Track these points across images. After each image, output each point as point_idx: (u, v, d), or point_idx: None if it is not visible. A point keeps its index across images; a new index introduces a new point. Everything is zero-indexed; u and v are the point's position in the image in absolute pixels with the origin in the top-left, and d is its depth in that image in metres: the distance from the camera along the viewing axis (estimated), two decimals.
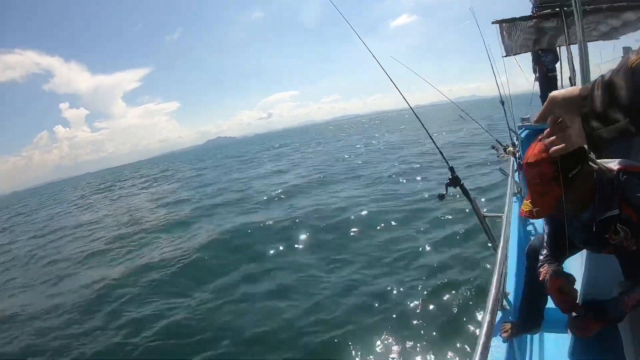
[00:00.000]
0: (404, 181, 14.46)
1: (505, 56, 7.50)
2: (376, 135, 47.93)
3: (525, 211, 1.67)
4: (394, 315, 5.43)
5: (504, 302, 2.84)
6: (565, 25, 3.77)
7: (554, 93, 1.09)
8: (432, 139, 2.95)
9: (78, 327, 7.11)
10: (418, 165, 17.64)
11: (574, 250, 2.06)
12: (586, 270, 2.32)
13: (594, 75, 3.63)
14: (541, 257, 2.07)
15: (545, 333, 2.62)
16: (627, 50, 4.39)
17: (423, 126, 2.90)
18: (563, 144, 1.12)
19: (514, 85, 8.21)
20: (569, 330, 2.42)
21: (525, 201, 1.69)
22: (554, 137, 1.15)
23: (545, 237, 2.13)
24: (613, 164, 1.69)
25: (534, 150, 1.58)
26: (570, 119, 1.07)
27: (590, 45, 5.74)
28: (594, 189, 1.65)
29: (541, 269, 1.98)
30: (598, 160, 1.69)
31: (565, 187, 1.52)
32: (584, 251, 2.24)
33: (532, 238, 2.55)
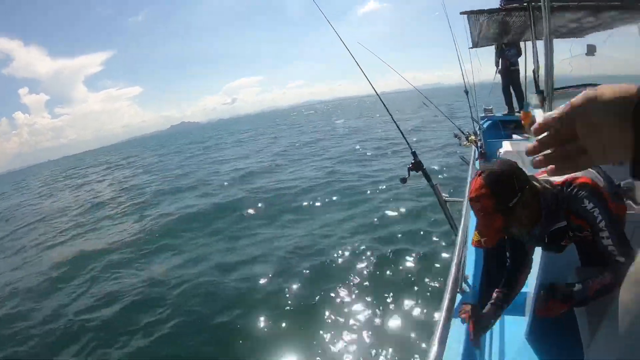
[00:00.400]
0: (366, 164, 14.70)
1: (472, 47, 7.62)
2: (339, 121, 48.04)
3: (475, 241, 1.75)
4: (352, 296, 5.57)
5: (464, 285, 2.90)
6: (532, 20, 3.85)
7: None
8: (396, 124, 2.99)
9: (35, 306, 7.33)
10: (380, 150, 17.80)
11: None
12: (543, 257, 2.40)
13: (558, 71, 3.78)
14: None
15: (505, 315, 2.70)
16: (591, 48, 4.53)
17: (388, 111, 2.94)
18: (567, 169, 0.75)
19: (479, 74, 8.41)
20: (526, 313, 2.51)
21: (475, 232, 1.76)
22: (560, 165, 0.74)
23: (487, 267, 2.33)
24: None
25: (475, 185, 1.69)
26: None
27: (556, 41, 5.91)
28: (539, 208, 1.77)
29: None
30: (540, 178, 1.83)
31: (507, 216, 1.66)
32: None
33: None
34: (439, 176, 11.09)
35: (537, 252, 2.34)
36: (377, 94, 2.94)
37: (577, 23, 4.85)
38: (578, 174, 1.81)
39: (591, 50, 4.49)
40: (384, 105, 2.93)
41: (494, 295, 2.04)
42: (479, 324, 2.11)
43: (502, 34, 6.21)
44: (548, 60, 2.90)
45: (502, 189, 1.64)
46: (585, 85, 3.77)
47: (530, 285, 2.64)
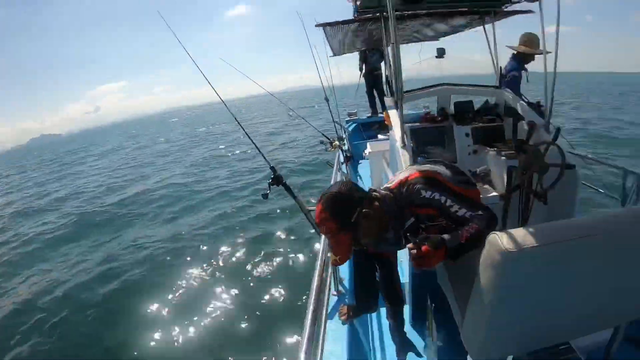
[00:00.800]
0: (225, 174, 14.63)
1: (333, 55, 7.76)
2: (202, 129, 47.50)
3: (332, 260, 1.89)
4: (221, 309, 5.52)
5: (340, 287, 2.91)
6: (384, 28, 3.96)
7: None
8: (250, 138, 2.93)
9: None
10: (235, 157, 17.91)
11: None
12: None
13: (408, 73, 3.93)
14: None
15: (384, 307, 2.73)
16: (441, 51, 4.76)
17: (239, 123, 2.87)
18: None
19: (341, 79, 8.60)
20: (406, 302, 2.62)
21: (331, 255, 1.90)
22: None
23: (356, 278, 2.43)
24: (390, 183, 2.03)
25: (317, 211, 1.83)
26: None
27: (414, 45, 6.18)
28: (384, 215, 1.91)
29: None
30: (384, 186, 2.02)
31: (353, 231, 1.81)
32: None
33: None
34: (303, 180, 11.29)
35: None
36: (224, 102, 2.85)
37: (428, 29, 5.09)
38: (410, 170, 2.00)
39: (440, 53, 4.73)
40: (232, 115, 2.89)
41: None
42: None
43: (362, 42, 6.36)
44: (396, 65, 2.98)
45: (341, 209, 1.79)
46: (432, 86, 3.95)
47: (405, 275, 2.69)
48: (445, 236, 1.75)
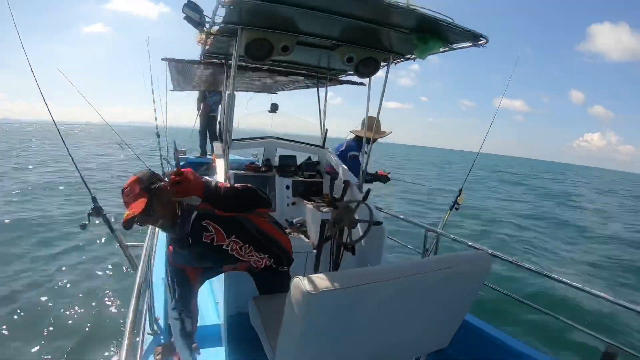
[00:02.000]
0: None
1: (173, 90, 7.66)
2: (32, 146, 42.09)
3: (126, 217, 2.01)
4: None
5: (155, 327, 2.83)
6: (226, 75, 4.08)
7: None
8: (76, 166, 2.81)
9: None
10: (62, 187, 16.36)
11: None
12: (226, 289, 2.66)
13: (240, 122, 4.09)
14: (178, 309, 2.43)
15: (201, 348, 2.70)
16: (274, 106, 4.99)
17: (67, 149, 2.72)
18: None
19: (176, 118, 8.47)
20: (222, 343, 2.67)
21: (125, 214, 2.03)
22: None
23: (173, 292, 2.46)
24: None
25: (128, 182, 2.13)
26: None
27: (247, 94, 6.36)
28: (175, 209, 2.25)
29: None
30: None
31: (151, 197, 2.07)
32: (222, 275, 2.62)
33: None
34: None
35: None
36: (55, 124, 2.72)
37: (266, 82, 5.33)
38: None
39: (274, 108, 4.98)
40: (61, 137, 2.75)
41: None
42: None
43: (205, 82, 6.41)
44: (229, 114, 3.12)
45: (145, 176, 2.16)
46: (261, 138, 4.16)
47: (221, 317, 2.72)
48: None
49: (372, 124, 4.32)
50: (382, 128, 4.75)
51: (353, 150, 4.87)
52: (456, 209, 4.47)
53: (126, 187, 2.09)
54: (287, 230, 3.48)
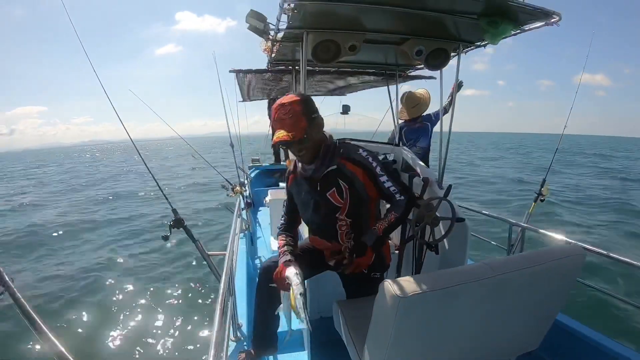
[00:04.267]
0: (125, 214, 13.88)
1: (242, 101, 7.83)
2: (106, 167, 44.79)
3: (280, 137, 2.00)
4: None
5: (238, 334, 2.90)
6: (295, 81, 4.10)
7: None
8: (154, 178, 2.88)
9: None
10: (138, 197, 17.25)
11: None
12: (308, 292, 2.55)
13: None
14: (280, 225, 2.52)
15: (283, 354, 2.73)
16: (346, 107, 4.98)
17: (144, 163, 2.81)
18: None
19: (248, 127, 8.65)
20: (305, 347, 2.69)
21: (277, 132, 2.03)
22: None
23: (284, 206, 2.55)
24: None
25: (286, 96, 2.05)
26: None
27: (317, 98, 6.39)
28: (321, 144, 2.16)
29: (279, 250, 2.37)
30: None
31: (310, 123, 2.03)
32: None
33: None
34: (204, 224, 11.18)
35: None
36: (132, 141, 2.83)
37: (335, 84, 5.33)
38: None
39: (346, 109, 4.96)
40: (139, 153, 2.85)
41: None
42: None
43: (273, 90, 6.52)
44: None
45: (308, 102, 2.07)
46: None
47: (304, 323, 2.73)
48: (364, 238, 2.12)
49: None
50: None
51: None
52: (541, 200, 4.26)
53: (287, 104, 2.02)
54: None
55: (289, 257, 2.25)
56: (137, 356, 5.07)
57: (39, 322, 1.13)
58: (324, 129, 2.20)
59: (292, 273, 2.09)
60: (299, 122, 2.00)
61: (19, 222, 13.36)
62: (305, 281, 2.58)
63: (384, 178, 2.12)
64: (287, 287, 2.12)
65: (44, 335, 1.11)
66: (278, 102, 2.07)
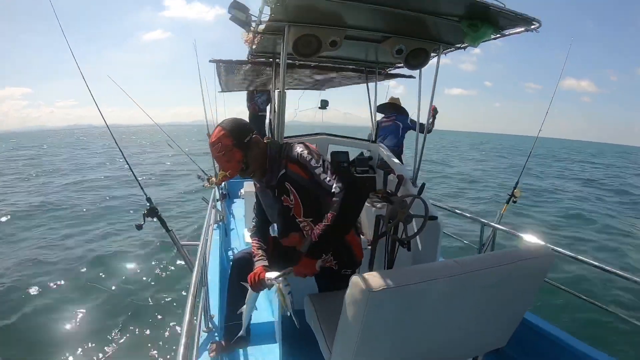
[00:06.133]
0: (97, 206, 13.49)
1: (221, 91, 7.78)
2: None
3: (220, 178, 2.08)
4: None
5: (210, 324, 2.88)
6: (274, 73, 4.09)
7: None
8: (130, 166, 2.87)
9: None
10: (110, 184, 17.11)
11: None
12: None
13: (292, 120, 4.10)
14: (252, 226, 2.50)
15: (254, 346, 2.73)
16: (324, 102, 4.98)
17: (120, 151, 2.79)
18: None
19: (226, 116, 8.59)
20: (277, 340, 2.66)
21: (219, 172, 2.09)
22: None
23: (254, 208, 2.53)
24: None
25: (214, 132, 2.08)
26: None
27: (296, 92, 6.37)
28: (266, 154, 2.17)
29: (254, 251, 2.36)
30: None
31: (245, 151, 2.06)
32: None
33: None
34: (178, 213, 11.16)
35: None
36: (108, 127, 2.80)
37: (314, 79, 5.33)
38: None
39: (324, 104, 4.96)
40: (114, 139, 2.83)
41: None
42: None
43: (252, 82, 6.48)
44: (280, 111, 3.12)
45: (238, 129, 2.07)
46: (312, 135, 4.14)
47: (275, 314, 2.74)
48: (301, 247, 2.05)
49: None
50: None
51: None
52: (513, 202, 4.34)
53: (216, 142, 2.03)
54: None
55: (265, 261, 2.25)
56: (104, 345, 5.02)
57: None
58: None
59: (274, 275, 2.04)
60: (234, 156, 2.05)
61: None
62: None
63: (318, 170, 2.02)
64: (260, 288, 2.14)
65: None
66: (210, 140, 2.11)
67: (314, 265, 2.01)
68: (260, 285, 2.12)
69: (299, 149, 2.11)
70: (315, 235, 1.92)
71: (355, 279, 1.43)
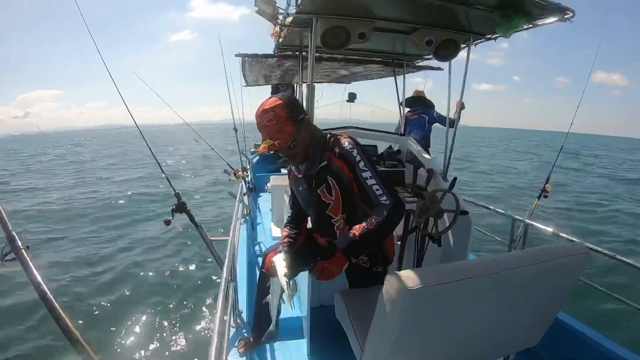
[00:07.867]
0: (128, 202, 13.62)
1: (246, 86, 7.79)
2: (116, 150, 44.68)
3: (266, 147, 1.94)
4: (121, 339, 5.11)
5: (238, 320, 2.88)
6: (301, 67, 4.07)
7: None
8: (158, 163, 2.88)
9: None
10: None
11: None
12: (310, 283, 2.56)
13: (321, 114, 4.07)
14: (288, 217, 2.48)
15: (283, 341, 2.74)
16: (352, 95, 4.93)
17: (149, 148, 2.80)
18: None
19: (252, 111, 8.62)
20: (304, 335, 2.67)
21: (263, 141, 1.97)
22: None
23: (289, 203, 2.51)
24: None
25: (268, 101, 1.97)
26: None
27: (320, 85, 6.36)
28: (311, 141, 2.06)
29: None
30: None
31: (297, 127, 1.97)
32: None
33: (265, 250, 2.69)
34: (206, 209, 11.15)
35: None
36: (138, 127, 2.81)
37: (341, 72, 5.29)
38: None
39: (352, 97, 4.91)
40: (145, 140, 2.84)
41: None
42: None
43: (277, 76, 6.48)
44: (309, 103, 3.10)
45: (294, 104, 2.01)
46: (340, 128, 4.10)
47: (303, 310, 2.72)
48: (337, 240, 1.92)
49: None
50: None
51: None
52: (545, 196, 4.24)
53: (270, 110, 1.93)
54: None
55: (285, 247, 2.23)
56: (133, 338, 5.09)
57: (51, 297, 1.05)
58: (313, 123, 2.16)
59: (279, 258, 2.06)
60: (285, 128, 1.95)
61: None
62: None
63: (367, 174, 1.91)
64: (275, 273, 2.11)
65: (52, 308, 1.04)
66: (260, 107, 1.99)
67: (344, 265, 1.85)
68: (272, 270, 2.13)
69: (347, 145, 1.98)
70: (357, 235, 1.81)
71: (391, 277, 1.40)
